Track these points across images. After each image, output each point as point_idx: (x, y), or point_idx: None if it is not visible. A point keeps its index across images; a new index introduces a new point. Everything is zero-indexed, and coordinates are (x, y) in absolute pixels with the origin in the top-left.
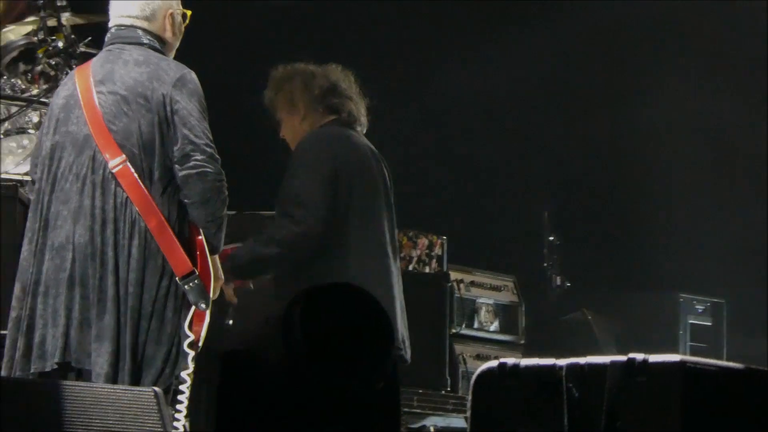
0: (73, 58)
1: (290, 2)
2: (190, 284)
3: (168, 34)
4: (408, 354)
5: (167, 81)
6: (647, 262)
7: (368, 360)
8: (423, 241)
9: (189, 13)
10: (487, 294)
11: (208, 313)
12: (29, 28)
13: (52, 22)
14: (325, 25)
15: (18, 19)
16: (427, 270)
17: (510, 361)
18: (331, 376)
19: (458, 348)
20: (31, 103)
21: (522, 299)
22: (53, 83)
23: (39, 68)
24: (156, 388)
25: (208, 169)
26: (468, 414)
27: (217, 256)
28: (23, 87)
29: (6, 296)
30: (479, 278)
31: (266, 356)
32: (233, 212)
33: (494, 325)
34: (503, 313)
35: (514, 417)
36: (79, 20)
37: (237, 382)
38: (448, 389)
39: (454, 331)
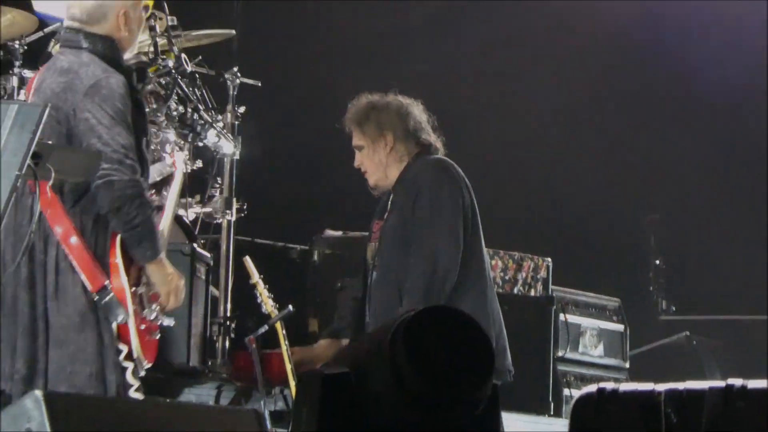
0: (183, 77)
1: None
2: (105, 299)
3: (123, 33)
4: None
5: (80, 90)
6: (754, 286)
7: (470, 383)
8: (528, 264)
9: (150, 3)
10: (591, 317)
11: (131, 323)
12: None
13: (162, 42)
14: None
15: None
16: (532, 293)
17: (609, 385)
18: (433, 399)
19: (562, 371)
20: None
21: (627, 323)
22: (163, 102)
23: (149, 87)
24: (257, 409)
25: (114, 177)
26: None
27: (163, 263)
28: None
29: None
30: (584, 301)
31: (369, 378)
32: (339, 233)
33: (598, 349)
34: (608, 336)
35: None
36: (188, 43)
37: (339, 405)
38: (551, 413)
39: (558, 354)
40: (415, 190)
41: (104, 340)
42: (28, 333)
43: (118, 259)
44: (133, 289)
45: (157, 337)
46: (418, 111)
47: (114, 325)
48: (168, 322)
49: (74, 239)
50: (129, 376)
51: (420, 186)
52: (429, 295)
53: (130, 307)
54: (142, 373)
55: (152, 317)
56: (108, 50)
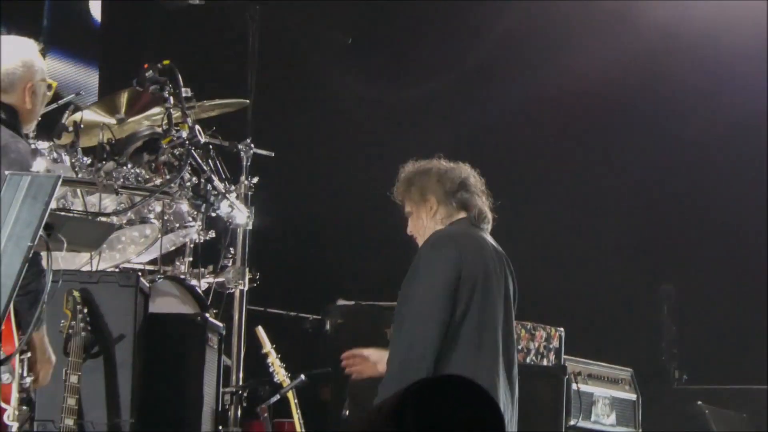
0: (196, 148)
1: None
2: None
3: (27, 106)
4: None
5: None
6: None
7: None
8: (541, 333)
9: (54, 84)
10: (604, 387)
11: (14, 385)
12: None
13: (176, 114)
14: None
15: (143, 110)
16: (544, 362)
17: None
18: None
19: None
20: (154, 193)
21: (639, 392)
22: (176, 173)
23: (163, 158)
24: None
25: None
26: None
27: (45, 336)
28: (147, 177)
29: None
30: (597, 371)
31: None
32: (351, 303)
33: (611, 419)
34: (620, 406)
35: None
36: (202, 114)
37: None
38: None
39: (570, 423)
40: (415, 263)
41: None
42: None
43: (12, 322)
44: (26, 355)
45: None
46: (462, 173)
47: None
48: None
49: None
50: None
51: (416, 261)
52: (404, 377)
53: (17, 369)
54: None
55: (27, 385)
56: (11, 118)
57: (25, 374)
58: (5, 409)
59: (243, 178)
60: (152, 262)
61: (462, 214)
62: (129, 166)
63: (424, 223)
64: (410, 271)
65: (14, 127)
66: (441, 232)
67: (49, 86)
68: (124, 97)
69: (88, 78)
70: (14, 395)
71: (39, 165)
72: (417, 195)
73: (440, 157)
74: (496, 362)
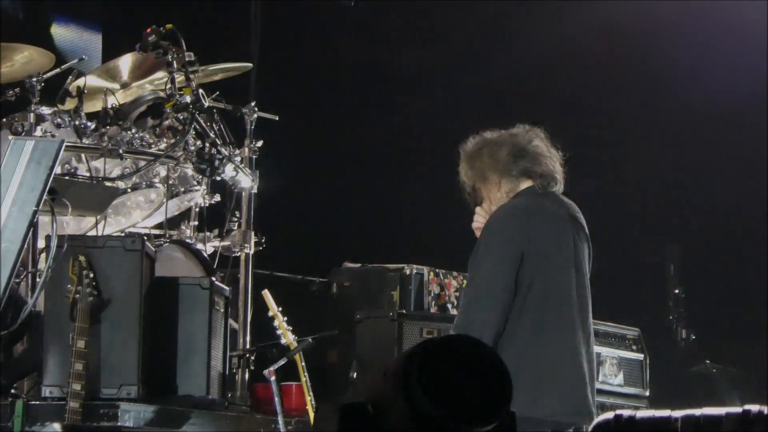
0: (200, 112)
1: None
2: None
3: None
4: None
5: None
6: None
7: (485, 413)
8: None
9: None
10: (611, 347)
11: None
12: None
13: (179, 78)
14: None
15: (146, 75)
16: None
17: (626, 413)
18: (448, 428)
19: None
20: (158, 157)
21: (647, 352)
22: (180, 137)
23: (167, 123)
24: None
25: None
26: None
27: None
28: (151, 141)
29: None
30: (604, 331)
31: (386, 408)
32: (358, 265)
33: (618, 379)
34: (628, 366)
35: None
36: (205, 78)
37: None
38: None
39: None
40: (479, 240)
41: None
42: None
43: None
44: None
45: None
46: (516, 140)
47: None
48: None
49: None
50: None
51: (480, 239)
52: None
53: None
54: None
55: None
56: None
57: None
58: None
59: (247, 141)
60: (158, 226)
61: (526, 183)
62: (133, 130)
63: (493, 198)
64: (475, 247)
65: None
66: (503, 207)
67: None
68: (127, 62)
69: (92, 43)
70: None
71: (43, 130)
72: (479, 176)
73: (491, 129)
74: (569, 336)
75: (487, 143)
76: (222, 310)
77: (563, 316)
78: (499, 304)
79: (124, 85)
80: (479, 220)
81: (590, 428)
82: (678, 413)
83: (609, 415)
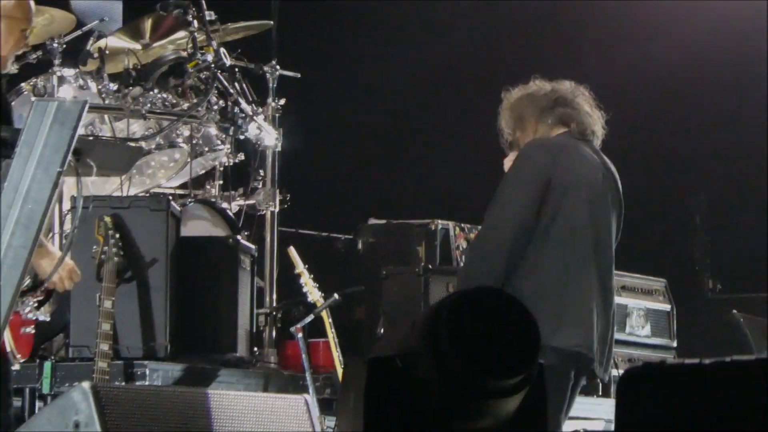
0: (222, 71)
1: None
2: None
3: None
4: (603, 372)
5: None
6: None
7: (514, 363)
8: None
9: (32, 31)
10: (638, 298)
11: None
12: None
13: (201, 37)
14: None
15: (167, 34)
16: None
17: (655, 361)
18: (477, 380)
19: None
20: (181, 117)
21: (673, 303)
22: (203, 97)
23: (189, 82)
24: (305, 397)
25: None
26: (614, 415)
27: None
28: (173, 101)
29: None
30: (630, 282)
31: (414, 361)
32: (384, 221)
33: (646, 330)
34: (654, 317)
35: (659, 417)
36: (227, 37)
37: (385, 389)
38: (599, 394)
39: None
40: (512, 164)
41: None
42: None
43: None
44: None
45: (31, 331)
46: (558, 90)
47: None
48: (43, 317)
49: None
50: None
51: (512, 163)
52: (468, 277)
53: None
54: (16, 367)
55: (25, 311)
56: None
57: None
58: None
59: (270, 99)
60: (182, 186)
61: (562, 129)
62: (155, 91)
63: None
64: (504, 176)
65: None
66: (535, 140)
67: (24, 31)
68: (148, 23)
69: (112, 4)
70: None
71: (66, 92)
72: (516, 121)
73: (536, 77)
74: (586, 269)
75: (530, 90)
76: (248, 269)
77: (582, 249)
78: (517, 226)
79: (146, 46)
80: (510, 163)
81: (619, 378)
82: (708, 361)
83: (638, 364)
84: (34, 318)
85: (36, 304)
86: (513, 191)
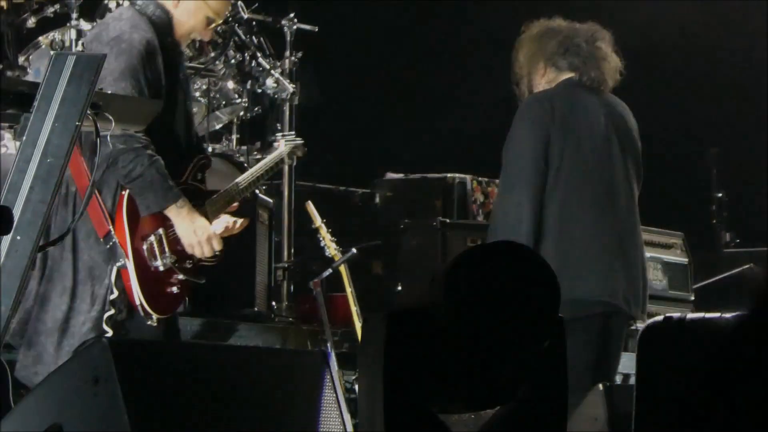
0: (240, 25)
1: None
2: (108, 244)
3: (173, 10)
4: (641, 312)
5: (104, 41)
6: None
7: (533, 319)
8: None
9: (217, 20)
10: (656, 252)
11: (131, 269)
12: None
13: None
14: None
15: None
16: None
17: (676, 315)
18: (495, 334)
19: None
20: (199, 71)
21: (691, 256)
22: (220, 51)
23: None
24: (324, 351)
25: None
26: (635, 369)
27: (182, 214)
28: (191, 55)
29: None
30: (648, 236)
31: (432, 315)
32: (401, 176)
33: (663, 283)
34: (672, 270)
35: (680, 370)
36: None
37: (404, 343)
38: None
39: None
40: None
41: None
42: (47, 282)
43: (123, 209)
44: (150, 238)
45: (175, 290)
46: (573, 36)
47: (114, 269)
48: (198, 279)
49: (85, 188)
50: (103, 324)
51: (514, 120)
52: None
53: (130, 253)
54: (151, 323)
55: (162, 267)
56: (156, 17)
57: (157, 257)
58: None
59: (287, 53)
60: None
61: (570, 74)
62: None
63: (537, 86)
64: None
65: (159, 25)
66: (534, 94)
67: (210, 19)
68: None
69: None
70: (133, 279)
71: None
72: (529, 62)
73: (555, 16)
74: (599, 218)
75: (546, 30)
76: (266, 222)
77: (590, 201)
78: (530, 184)
79: None
80: None
81: (640, 332)
82: (729, 315)
83: (659, 318)
84: (178, 276)
85: (177, 260)
86: (517, 154)
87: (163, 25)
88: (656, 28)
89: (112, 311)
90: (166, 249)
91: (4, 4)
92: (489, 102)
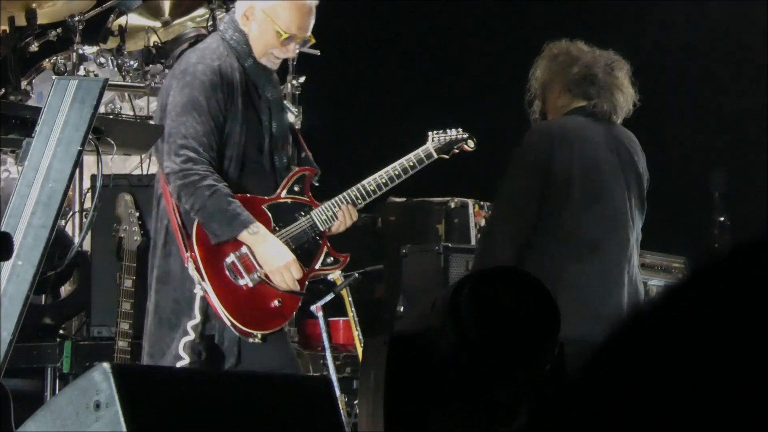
0: None
1: None
2: (190, 270)
3: (247, 30)
4: None
5: (175, 74)
6: None
7: (534, 343)
8: None
9: (284, 35)
10: (657, 276)
11: (210, 292)
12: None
13: (220, 15)
14: None
15: (187, 12)
16: None
17: None
18: (496, 360)
19: None
20: None
21: None
22: None
23: None
24: (326, 376)
25: (167, 169)
26: None
27: (259, 242)
28: None
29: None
30: (650, 260)
31: (434, 341)
32: (403, 199)
33: None
34: None
35: None
36: None
37: (406, 368)
38: None
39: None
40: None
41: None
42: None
43: (193, 235)
44: (231, 258)
45: (276, 303)
46: (592, 66)
47: (198, 295)
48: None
49: (172, 214)
50: (180, 348)
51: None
52: (483, 263)
53: (205, 277)
54: (254, 340)
55: (252, 283)
56: (234, 40)
57: (244, 275)
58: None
59: (290, 77)
60: None
61: (582, 103)
62: None
63: (551, 111)
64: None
65: (237, 48)
66: (540, 124)
67: (290, 39)
68: (168, 0)
69: None
70: (215, 301)
71: (86, 70)
72: (546, 81)
73: (585, 41)
74: (594, 254)
75: (568, 53)
76: None
77: (587, 236)
78: (519, 215)
79: (166, 23)
80: None
81: None
82: None
83: None
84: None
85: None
86: (511, 185)
87: (240, 47)
88: (659, 44)
89: (192, 336)
90: (256, 265)
91: (6, 28)
92: (491, 127)
